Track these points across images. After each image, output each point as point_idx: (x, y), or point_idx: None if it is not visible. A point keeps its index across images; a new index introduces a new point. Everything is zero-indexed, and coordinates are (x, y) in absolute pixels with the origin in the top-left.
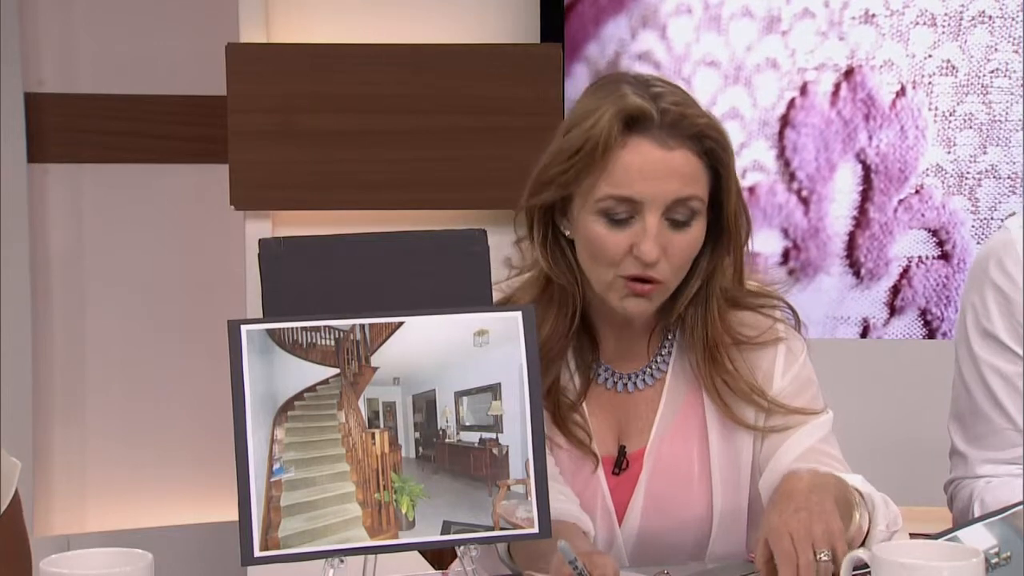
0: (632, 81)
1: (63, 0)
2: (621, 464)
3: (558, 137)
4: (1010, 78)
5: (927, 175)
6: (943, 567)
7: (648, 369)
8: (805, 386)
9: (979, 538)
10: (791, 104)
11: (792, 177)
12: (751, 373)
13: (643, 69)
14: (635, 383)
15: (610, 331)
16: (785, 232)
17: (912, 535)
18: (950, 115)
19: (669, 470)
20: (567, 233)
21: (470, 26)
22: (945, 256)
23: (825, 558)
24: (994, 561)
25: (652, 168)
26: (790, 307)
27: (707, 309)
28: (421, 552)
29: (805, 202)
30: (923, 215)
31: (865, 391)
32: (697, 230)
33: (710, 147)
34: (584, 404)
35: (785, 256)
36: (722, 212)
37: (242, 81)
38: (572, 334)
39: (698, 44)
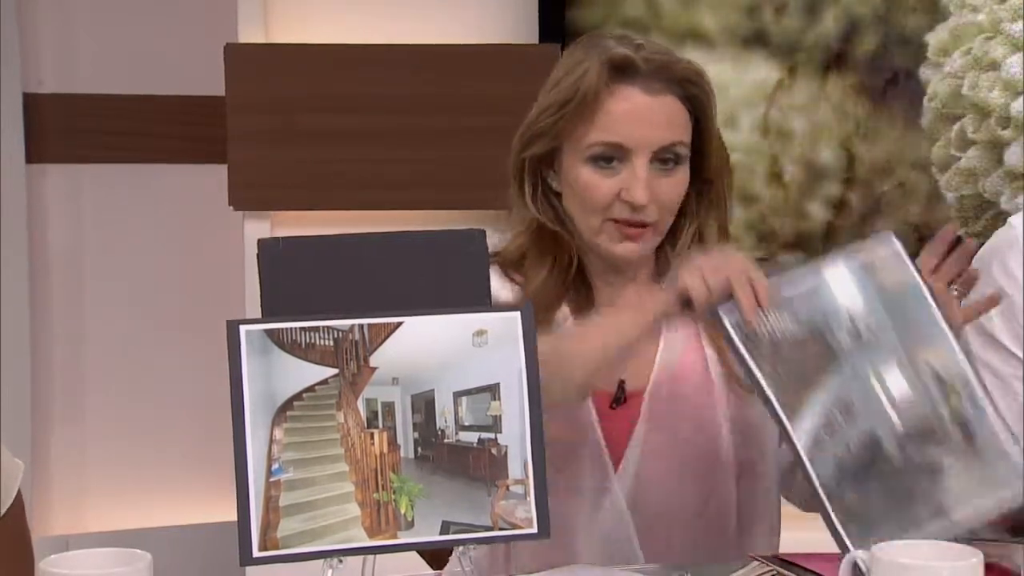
0: (613, 36)
1: (62, 0)
2: (620, 399)
3: (544, 93)
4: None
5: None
6: (943, 567)
7: None
8: None
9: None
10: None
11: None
12: None
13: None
14: None
15: (603, 284)
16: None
17: None
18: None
19: (674, 410)
20: (554, 185)
21: (469, 26)
22: None
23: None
24: None
25: (639, 114)
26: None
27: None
28: (420, 552)
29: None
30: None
31: None
32: (682, 174)
33: (694, 93)
34: None
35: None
36: (705, 161)
37: (241, 81)
38: (569, 284)
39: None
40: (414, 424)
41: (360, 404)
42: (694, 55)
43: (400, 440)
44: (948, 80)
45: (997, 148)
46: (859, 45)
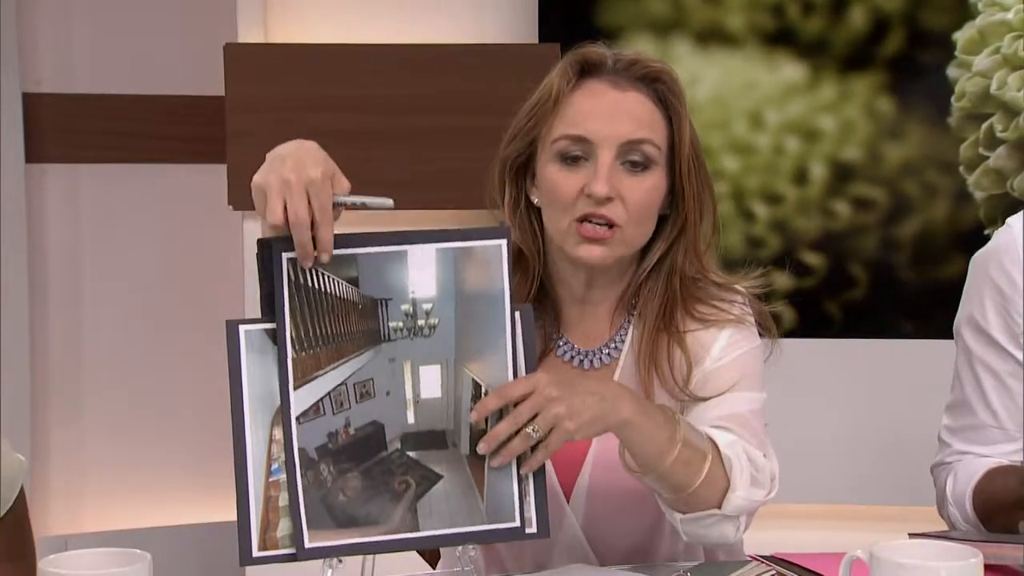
0: (592, 43)
1: (62, 0)
2: None
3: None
4: None
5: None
6: (941, 567)
7: (606, 348)
8: (740, 375)
9: None
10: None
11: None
12: (686, 365)
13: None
14: (591, 361)
15: (573, 304)
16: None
17: (911, 535)
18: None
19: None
20: (535, 201)
21: (468, 26)
22: None
23: (535, 434)
24: None
25: (604, 107)
26: (757, 301)
27: (668, 284)
28: (420, 552)
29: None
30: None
31: (858, 389)
32: (654, 179)
33: (662, 92)
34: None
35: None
36: (676, 165)
37: (240, 81)
38: (531, 300)
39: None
40: None
41: None
42: (719, 54)
43: None
44: (976, 79)
45: None
46: (885, 44)
